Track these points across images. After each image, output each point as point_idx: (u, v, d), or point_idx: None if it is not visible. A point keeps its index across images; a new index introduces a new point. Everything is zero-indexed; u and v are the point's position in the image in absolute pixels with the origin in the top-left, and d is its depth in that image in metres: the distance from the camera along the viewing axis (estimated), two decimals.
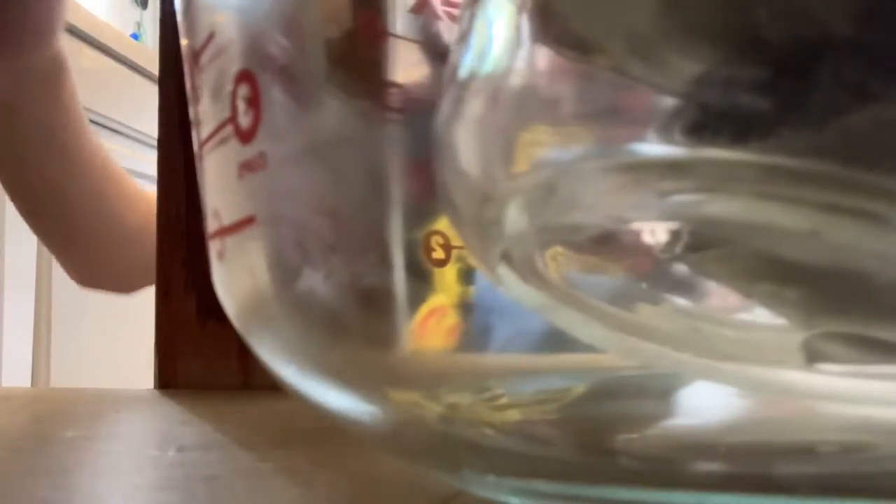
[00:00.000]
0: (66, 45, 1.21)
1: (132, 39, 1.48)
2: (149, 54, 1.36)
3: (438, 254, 0.11)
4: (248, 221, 0.13)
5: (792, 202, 0.08)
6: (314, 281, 0.12)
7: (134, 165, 1.29)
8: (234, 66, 0.12)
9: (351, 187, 0.12)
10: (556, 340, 0.11)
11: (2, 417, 0.24)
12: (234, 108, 0.12)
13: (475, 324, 0.12)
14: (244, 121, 0.12)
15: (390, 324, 0.12)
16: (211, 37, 0.13)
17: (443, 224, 0.11)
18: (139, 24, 1.91)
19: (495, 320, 0.12)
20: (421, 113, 0.11)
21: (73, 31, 1.16)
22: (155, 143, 0.32)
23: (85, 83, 1.21)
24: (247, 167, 0.12)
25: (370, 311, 0.12)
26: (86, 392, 0.29)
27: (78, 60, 1.17)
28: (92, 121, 1.20)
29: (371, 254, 0.12)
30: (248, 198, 0.13)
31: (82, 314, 1.16)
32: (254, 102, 0.12)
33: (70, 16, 1.16)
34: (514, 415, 0.12)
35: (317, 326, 0.13)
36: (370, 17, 0.11)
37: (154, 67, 0.33)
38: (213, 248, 0.14)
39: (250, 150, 0.12)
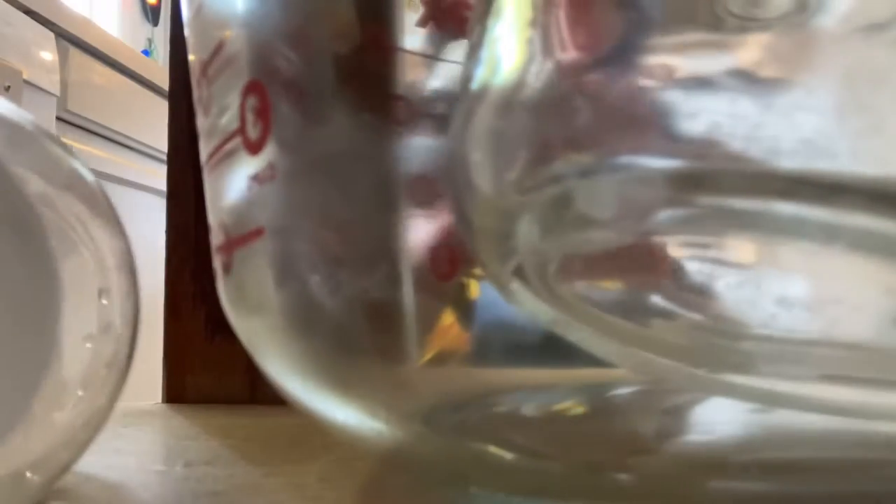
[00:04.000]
0: (79, 62, 1.22)
1: (143, 56, 1.50)
2: (160, 70, 1.37)
3: (444, 268, 0.11)
4: (256, 234, 0.13)
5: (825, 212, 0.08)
6: (321, 295, 0.12)
7: (144, 180, 1.30)
8: (243, 78, 0.12)
9: (358, 200, 0.12)
10: (566, 355, 0.11)
11: None
12: (242, 120, 0.12)
13: (484, 338, 0.12)
14: (253, 132, 0.12)
15: (397, 338, 0.12)
16: (219, 48, 0.13)
17: (449, 238, 0.11)
18: (150, 41, 1.93)
19: (504, 335, 0.12)
20: (428, 127, 0.11)
21: (85, 48, 1.17)
22: (165, 157, 0.32)
23: (97, 99, 1.22)
24: (256, 179, 0.12)
25: (377, 325, 0.12)
26: None
27: (90, 77, 1.18)
28: (103, 136, 1.21)
29: (378, 267, 0.12)
30: (257, 210, 0.13)
31: None
32: (263, 114, 0.12)
33: (82, 32, 1.18)
34: (521, 431, 0.12)
35: (324, 340, 0.12)
36: (377, 31, 0.11)
37: (165, 83, 0.34)
38: (219, 260, 0.14)
39: (259, 162, 0.12)
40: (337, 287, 0.12)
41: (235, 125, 0.13)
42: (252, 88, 0.12)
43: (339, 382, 0.12)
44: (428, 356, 0.12)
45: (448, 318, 0.11)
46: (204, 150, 0.15)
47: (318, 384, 0.13)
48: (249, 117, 0.12)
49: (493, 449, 0.11)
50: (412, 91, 0.11)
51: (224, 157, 0.13)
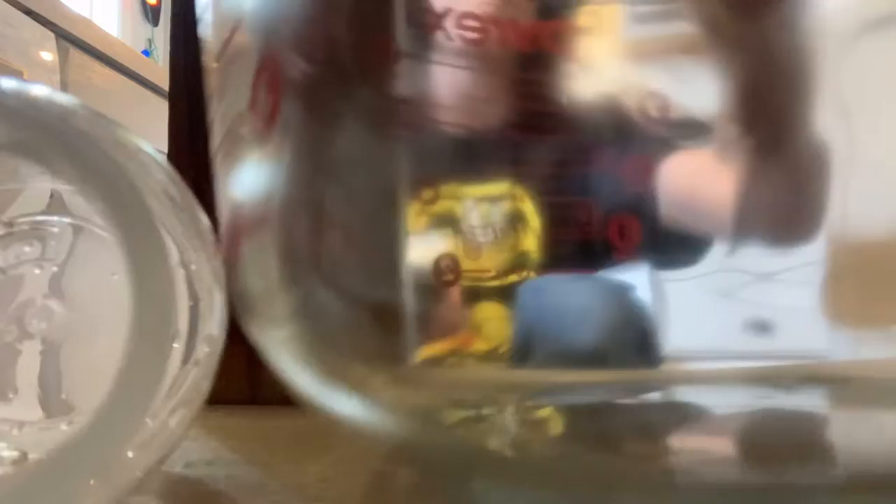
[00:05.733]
0: (79, 62, 1.22)
1: (143, 56, 1.50)
2: (160, 70, 1.37)
3: (447, 274, 0.11)
4: (263, 222, 0.13)
5: None
6: (327, 293, 0.12)
7: None
8: (254, 61, 0.13)
9: (363, 202, 0.12)
10: (576, 357, 0.11)
11: None
12: (254, 99, 0.12)
13: (505, 340, 0.12)
14: (264, 110, 0.12)
15: (401, 339, 0.12)
16: (233, 34, 0.13)
17: (452, 247, 0.11)
18: (150, 41, 1.93)
19: (529, 337, 0.12)
20: (432, 130, 0.11)
21: (86, 48, 1.17)
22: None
23: (97, 100, 1.22)
24: (264, 165, 0.12)
25: (381, 325, 0.12)
26: None
27: (90, 77, 1.18)
28: None
29: (381, 271, 0.12)
30: (265, 197, 0.13)
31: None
32: (273, 90, 0.12)
33: (82, 33, 1.18)
34: (527, 427, 0.12)
35: (329, 337, 0.12)
36: (383, 37, 0.11)
37: (165, 83, 0.34)
38: (227, 253, 0.14)
39: (268, 148, 0.12)
40: (341, 287, 0.12)
41: (246, 105, 0.13)
42: (265, 67, 0.12)
43: (345, 378, 0.12)
44: (431, 358, 0.12)
45: (452, 322, 0.12)
46: (217, 137, 0.15)
47: (324, 380, 0.13)
48: (261, 96, 0.12)
49: (494, 444, 0.11)
50: (417, 95, 0.11)
51: (235, 143, 0.13)
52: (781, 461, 0.10)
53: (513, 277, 0.11)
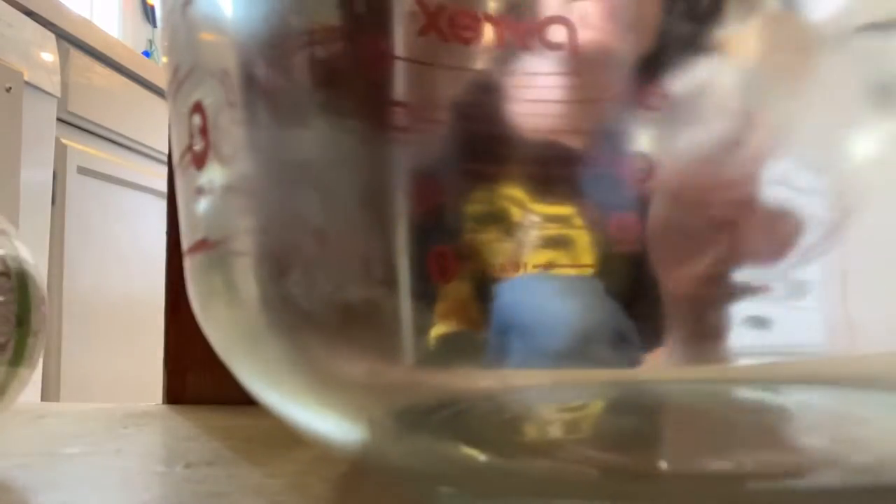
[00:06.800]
0: (79, 63, 1.22)
1: (144, 56, 1.50)
2: (160, 71, 1.37)
3: (445, 270, 0.11)
4: (225, 241, 0.13)
5: None
6: (306, 296, 0.12)
7: (144, 180, 1.30)
8: (191, 99, 0.13)
9: (347, 205, 0.12)
10: (571, 357, 0.11)
11: (11, 432, 0.24)
12: (190, 136, 0.13)
13: (482, 340, 0.12)
14: (198, 147, 0.13)
15: (389, 340, 0.12)
16: (176, 70, 0.13)
17: (449, 241, 0.11)
18: (151, 42, 1.93)
19: (506, 336, 0.12)
20: (426, 132, 0.11)
21: (86, 49, 1.17)
22: (165, 157, 0.32)
23: (98, 100, 1.22)
24: (230, 188, 0.13)
25: (369, 327, 0.12)
26: (94, 407, 0.29)
27: (90, 78, 1.18)
28: (104, 137, 1.21)
29: (373, 269, 0.12)
30: (232, 216, 0.13)
31: (92, 329, 1.16)
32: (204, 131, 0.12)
33: (83, 33, 1.18)
34: (497, 433, 0.12)
35: (307, 343, 0.12)
36: (374, 39, 0.11)
37: (165, 84, 0.34)
38: (192, 263, 0.14)
39: (231, 169, 0.13)
40: (323, 289, 0.12)
41: (187, 141, 0.13)
42: (196, 109, 0.13)
43: (321, 384, 0.12)
44: (423, 356, 0.12)
45: (446, 319, 0.12)
46: (175, 153, 0.15)
47: (297, 387, 0.13)
48: (195, 133, 0.13)
49: (466, 450, 0.11)
50: (412, 97, 0.11)
51: (191, 161, 0.14)
52: (777, 462, 0.10)
53: (507, 276, 0.11)
